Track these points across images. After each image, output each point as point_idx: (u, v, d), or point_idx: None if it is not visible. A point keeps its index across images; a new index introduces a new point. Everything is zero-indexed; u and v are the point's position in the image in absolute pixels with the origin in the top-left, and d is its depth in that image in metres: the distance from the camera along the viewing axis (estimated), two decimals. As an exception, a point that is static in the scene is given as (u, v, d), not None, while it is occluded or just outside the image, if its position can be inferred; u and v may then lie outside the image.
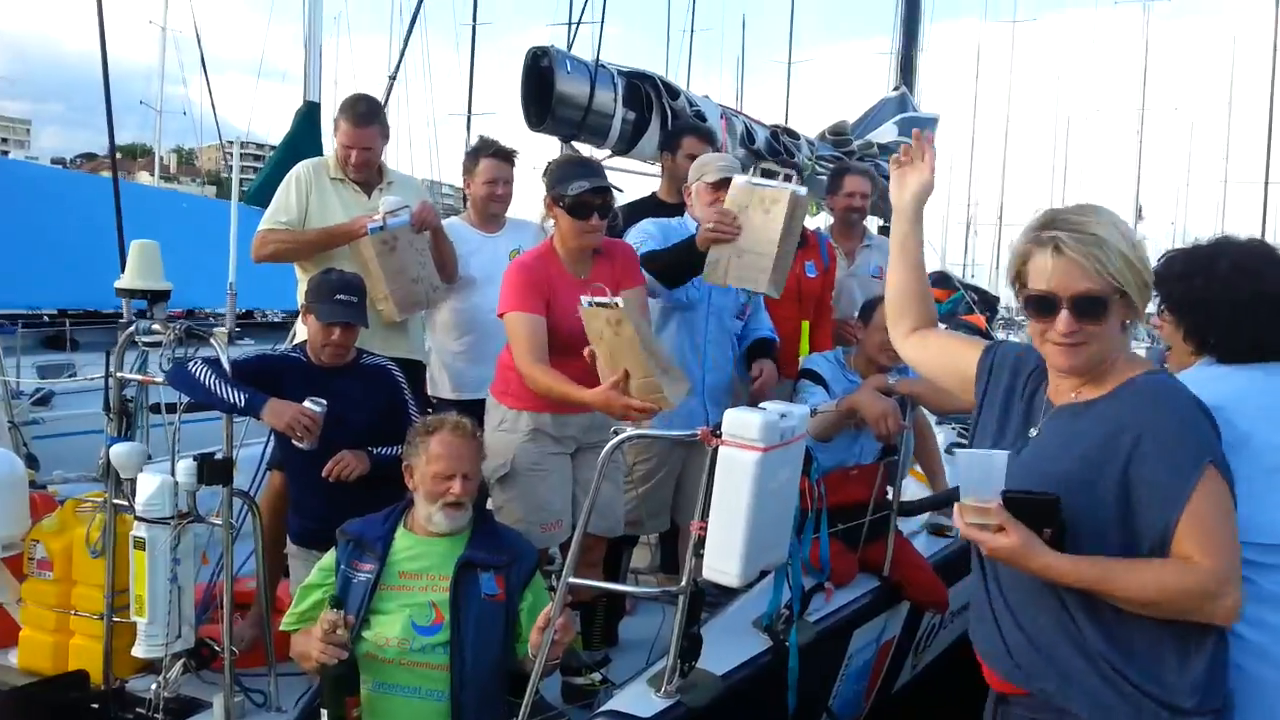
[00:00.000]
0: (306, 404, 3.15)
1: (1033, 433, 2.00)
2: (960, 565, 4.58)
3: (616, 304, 3.11)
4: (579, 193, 3.21)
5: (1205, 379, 2.07)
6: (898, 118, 8.96)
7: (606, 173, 3.49)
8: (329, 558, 2.90)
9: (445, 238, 3.96)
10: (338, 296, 3.35)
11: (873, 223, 8.89)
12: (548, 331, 3.19)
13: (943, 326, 8.46)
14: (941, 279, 13.64)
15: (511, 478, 3.32)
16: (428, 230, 3.84)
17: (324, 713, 2.61)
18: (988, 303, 15.21)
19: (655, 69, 5.20)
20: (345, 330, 3.37)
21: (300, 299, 3.67)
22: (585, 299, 3.03)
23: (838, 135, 7.91)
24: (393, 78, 6.01)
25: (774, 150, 6.20)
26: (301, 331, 3.77)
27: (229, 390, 3.11)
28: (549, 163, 3.45)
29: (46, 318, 8.08)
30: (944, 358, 2.28)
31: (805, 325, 4.33)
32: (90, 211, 7.59)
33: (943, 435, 6.04)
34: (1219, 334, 2.17)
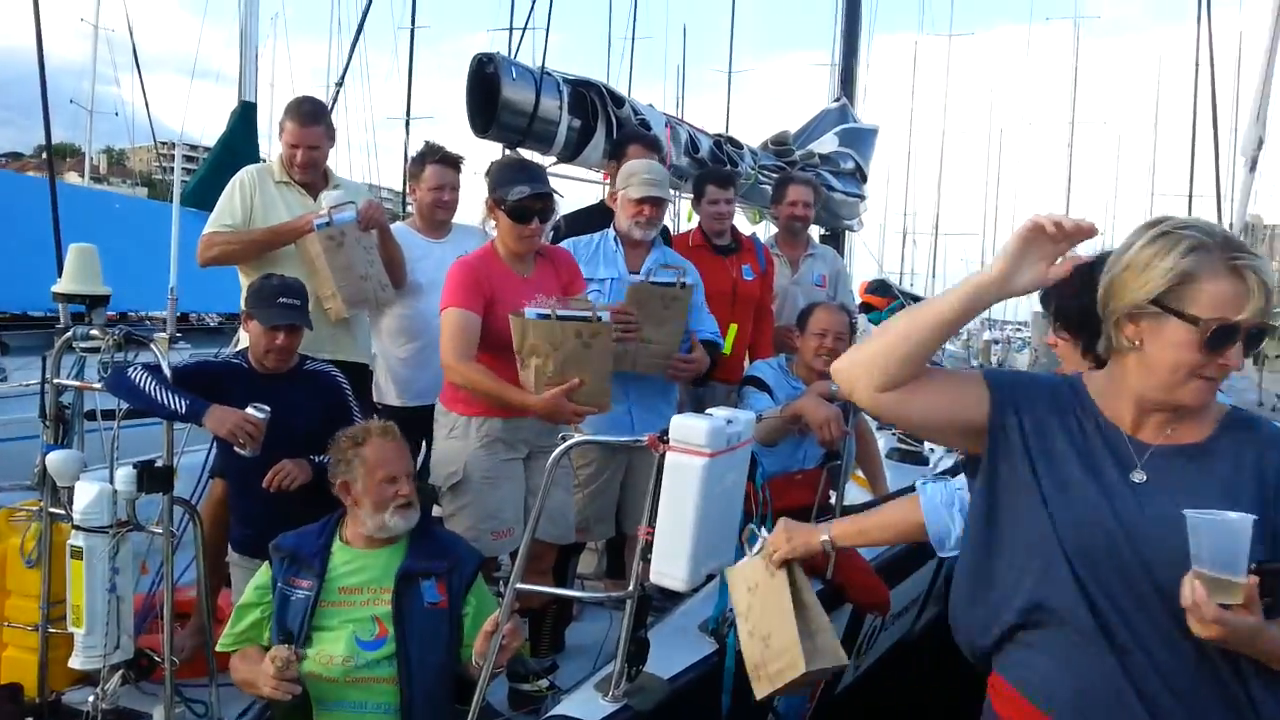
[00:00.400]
0: (249, 410, 3.11)
1: (1139, 478, 1.74)
2: (902, 567, 4.69)
3: (600, 318, 3.16)
4: (520, 198, 3.24)
5: None
6: (838, 128, 9.13)
7: (551, 179, 3.53)
8: (263, 575, 2.85)
9: (392, 237, 3.95)
10: (280, 300, 3.32)
11: (815, 231, 9.08)
12: (488, 330, 3.21)
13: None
14: (881, 287, 13.90)
15: (463, 486, 3.31)
16: (374, 229, 3.83)
17: None
18: (925, 310, 15.52)
19: (597, 76, 5.23)
20: (289, 334, 3.33)
21: (243, 305, 3.63)
22: (533, 310, 3.05)
23: (779, 145, 8.01)
24: (339, 84, 5.96)
25: (717, 159, 6.26)
26: (244, 339, 3.74)
27: (170, 397, 3.06)
28: (491, 164, 3.47)
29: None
30: (935, 411, 1.84)
31: (733, 328, 4.42)
32: (18, 212, 7.38)
33: (884, 440, 6.16)
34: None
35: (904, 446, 6.29)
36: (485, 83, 4.45)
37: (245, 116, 7.85)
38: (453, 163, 4.08)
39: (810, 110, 9.54)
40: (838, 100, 9.93)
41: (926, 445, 6.47)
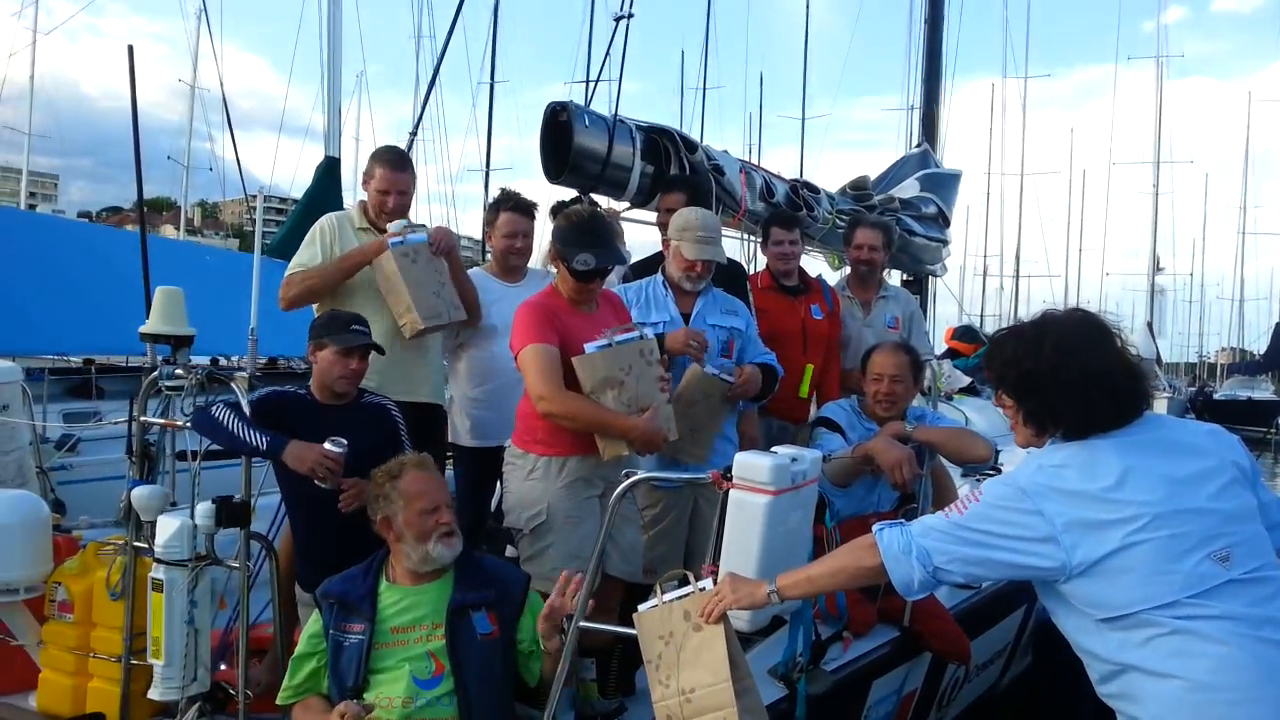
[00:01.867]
0: (327, 445, 3.16)
1: None
2: (986, 616, 4.54)
3: (645, 336, 3.17)
4: (586, 269, 3.29)
5: (1080, 454, 2.11)
6: (920, 173, 9.08)
7: (624, 224, 3.57)
8: (315, 624, 2.85)
9: (462, 267, 4.02)
10: (353, 327, 3.40)
11: (896, 276, 8.99)
12: (563, 365, 3.23)
13: (967, 380, 8.34)
14: (967, 333, 13.64)
15: (546, 526, 3.29)
16: (444, 255, 3.89)
17: None
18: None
19: (670, 124, 5.28)
20: (362, 359, 3.39)
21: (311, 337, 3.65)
22: (592, 345, 3.07)
23: (858, 190, 7.98)
24: (413, 134, 6.15)
25: (793, 203, 6.25)
26: (304, 255, 3.82)
27: (251, 434, 3.14)
28: (561, 209, 3.49)
29: (74, 364, 8.23)
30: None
31: (809, 369, 4.37)
32: (116, 263, 7.73)
33: (966, 487, 5.99)
34: (1053, 417, 2.17)
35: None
36: (558, 130, 4.54)
37: (329, 171, 8.14)
38: (525, 209, 4.14)
39: (887, 154, 9.53)
40: (919, 145, 9.89)
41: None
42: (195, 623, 3.02)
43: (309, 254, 3.93)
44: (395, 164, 4.01)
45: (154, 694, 3.02)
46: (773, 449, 2.72)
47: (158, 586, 2.99)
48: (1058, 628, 2.24)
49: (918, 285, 9.28)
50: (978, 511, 2.13)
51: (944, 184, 9.22)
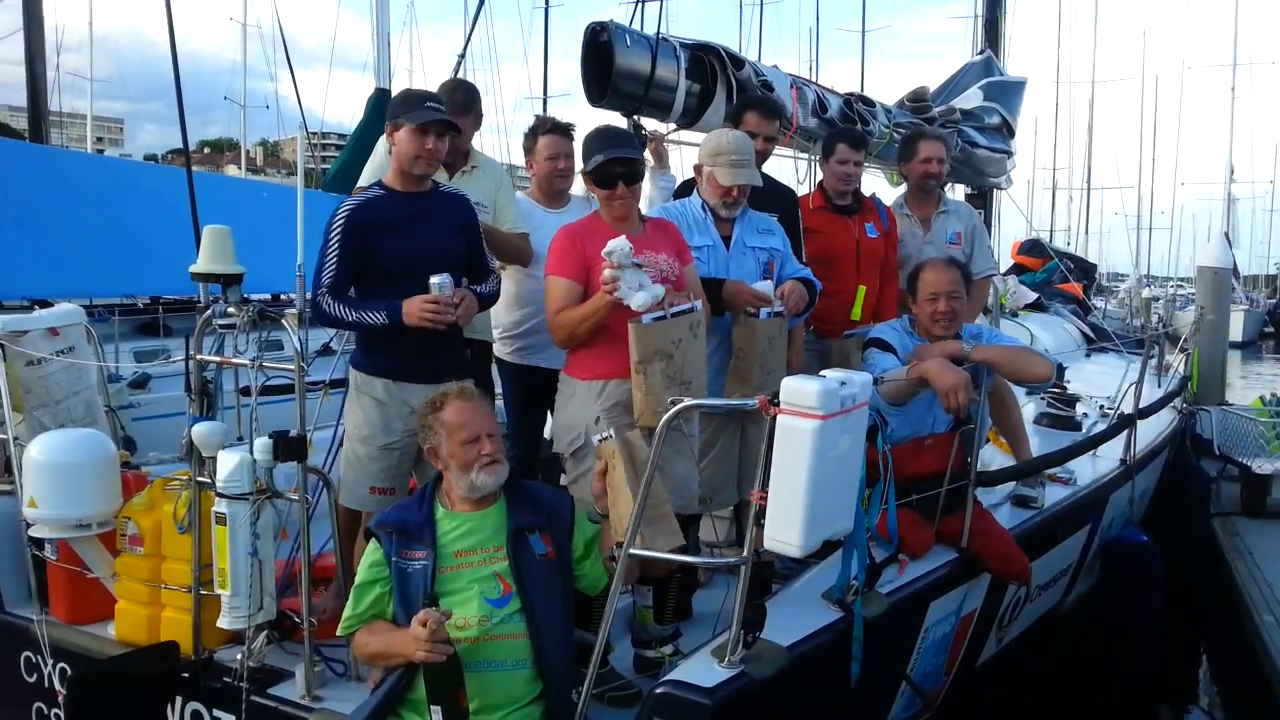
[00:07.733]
0: (432, 280, 3.21)
1: None
2: (1049, 536, 4.47)
3: (695, 308, 3.23)
4: (597, 165, 3.29)
5: None
6: (983, 82, 8.79)
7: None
8: (376, 553, 2.85)
9: (499, 238, 3.96)
10: (427, 104, 3.34)
11: (960, 190, 8.73)
12: (590, 294, 3.27)
13: (1034, 296, 8.20)
14: (1034, 247, 13.24)
15: (585, 450, 3.30)
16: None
17: (433, 710, 2.60)
18: (1085, 270, 14.63)
19: (729, 42, 5.15)
20: (439, 137, 3.34)
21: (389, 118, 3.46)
22: (649, 316, 3.11)
23: (917, 101, 7.73)
24: (461, 55, 6.10)
25: (847, 118, 6.07)
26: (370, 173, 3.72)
27: (367, 314, 3.26)
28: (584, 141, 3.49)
29: (140, 305, 8.39)
30: None
31: (861, 290, 4.29)
32: (181, 203, 7.82)
33: (1032, 405, 5.88)
34: None
35: (1054, 411, 5.99)
36: (600, 52, 4.43)
37: (379, 103, 8.10)
38: (564, 131, 4.13)
39: (954, 67, 9.25)
40: (982, 53, 9.57)
41: (1079, 409, 6.15)
42: (259, 554, 3.10)
43: (376, 168, 3.95)
44: (457, 107, 3.79)
45: (222, 622, 3.12)
46: (821, 373, 2.66)
47: (221, 520, 3.06)
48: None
49: (982, 199, 9.04)
50: None
51: (1008, 92, 8.90)
